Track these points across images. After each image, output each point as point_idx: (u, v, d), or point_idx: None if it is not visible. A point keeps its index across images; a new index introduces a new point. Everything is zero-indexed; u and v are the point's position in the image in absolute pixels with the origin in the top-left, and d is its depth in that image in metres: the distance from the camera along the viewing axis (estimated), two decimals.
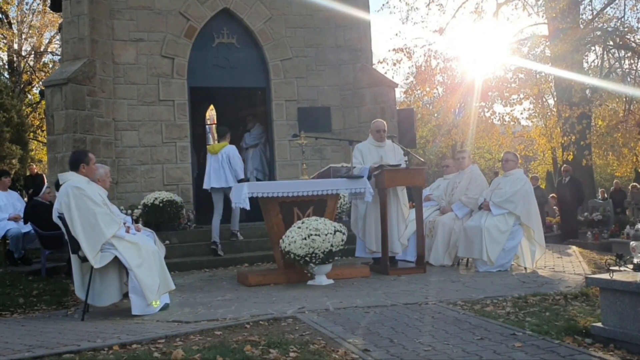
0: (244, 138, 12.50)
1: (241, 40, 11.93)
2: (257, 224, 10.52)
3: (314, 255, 7.01)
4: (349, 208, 10.29)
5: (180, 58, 11.43)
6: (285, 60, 12.03)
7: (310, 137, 9.21)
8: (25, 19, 27.15)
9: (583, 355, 4.01)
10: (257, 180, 11.50)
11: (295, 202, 7.82)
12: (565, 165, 17.30)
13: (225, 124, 14.47)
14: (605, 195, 21.21)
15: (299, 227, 7.18)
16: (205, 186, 9.95)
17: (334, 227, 7.21)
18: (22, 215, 9.62)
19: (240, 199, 7.53)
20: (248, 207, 7.56)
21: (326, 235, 7.05)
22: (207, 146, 11.10)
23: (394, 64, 22.03)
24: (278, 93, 11.98)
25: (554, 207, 17.00)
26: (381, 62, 21.83)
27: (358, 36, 12.35)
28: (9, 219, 9.62)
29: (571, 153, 19.28)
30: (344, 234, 7.26)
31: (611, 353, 4.14)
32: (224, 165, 9.81)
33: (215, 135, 14.45)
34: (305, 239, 7.01)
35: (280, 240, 7.30)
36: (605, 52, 22.17)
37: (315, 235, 7.02)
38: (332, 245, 7.07)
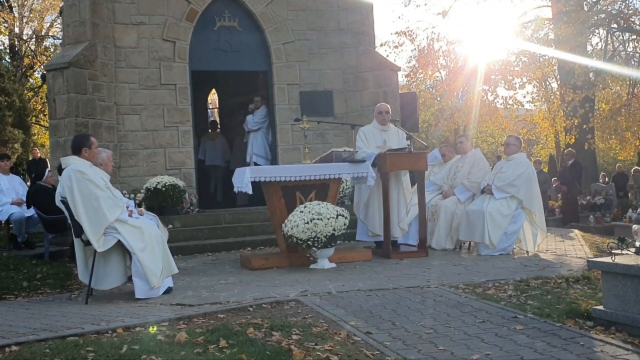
0: (246, 121, 12.42)
1: (243, 24, 11.86)
2: (260, 208, 10.53)
3: (316, 239, 7.02)
4: (351, 192, 10.31)
5: (182, 41, 11.37)
6: (287, 43, 11.96)
7: (313, 121, 9.18)
8: (26, 2, 26.99)
9: (584, 338, 4.03)
10: (257, 165, 11.46)
11: (297, 187, 7.82)
12: (568, 148, 17.26)
13: (228, 108, 14.75)
14: (607, 179, 21.18)
15: (302, 211, 7.18)
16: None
17: (337, 211, 7.21)
18: (25, 199, 9.64)
19: (243, 183, 7.54)
20: (250, 192, 7.56)
21: (328, 219, 7.05)
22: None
23: (396, 47, 21.94)
24: (280, 77, 11.93)
25: (558, 194, 16.98)
26: (383, 45, 21.74)
27: (360, 19, 12.26)
28: (12, 204, 9.64)
29: (573, 136, 19.20)
30: (346, 218, 7.26)
31: (612, 336, 4.15)
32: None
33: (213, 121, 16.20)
34: (307, 223, 7.01)
35: (283, 225, 7.32)
36: (609, 35, 22.02)
37: (318, 219, 7.02)
38: (334, 229, 7.08)
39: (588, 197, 16.82)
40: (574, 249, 8.36)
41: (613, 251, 4.59)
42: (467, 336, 4.13)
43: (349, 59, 12.23)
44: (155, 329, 4.78)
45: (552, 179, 18.96)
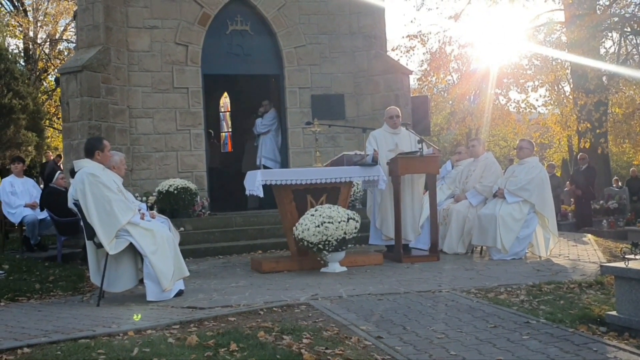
0: (255, 124, 12.50)
1: (255, 28, 11.90)
2: (271, 212, 10.54)
3: (327, 242, 7.02)
4: (362, 196, 10.30)
5: (194, 45, 11.42)
6: (298, 47, 11.98)
7: (324, 124, 9.18)
8: (40, 6, 27.22)
9: (597, 343, 3.99)
10: (266, 168, 11.52)
11: (308, 190, 7.82)
12: (581, 153, 17.15)
13: (239, 111, 14.86)
14: (620, 183, 21.02)
15: (312, 215, 7.18)
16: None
17: (347, 214, 7.20)
18: (38, 202, 9.71)
19: (254, 186, 7.55)
20: (262, 195, 7.57)
21: (339, 222, 7.04)
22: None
23: (407, 51, 21.90)
24: (292, 80, 11.95)
25: (571, 198, 16.86)
26: (394, 50, 21.71)
27: (372, 23, 12.26)
28: (25, 206, 9.70)
29: (588, 140, 19.08)
30: (357, 221, 7.25)
31: (626, 342, 4.11)
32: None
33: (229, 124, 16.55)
34: (318, 226, 7.01)
35: (294, 228, 7.32)
36: (622, 39, 21.89)
37: (329, 222, 7.02)
38: (345, 233, 7.07)
39: (601, 202, 16.70)
40: (587, 254, 8.30)
41: (626, 256, 4.55)
42: (479, 341, 4.10)
43: (360, 63, 12.22)
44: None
45: (566, 183, 18.86)
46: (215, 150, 14.79)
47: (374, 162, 8.02)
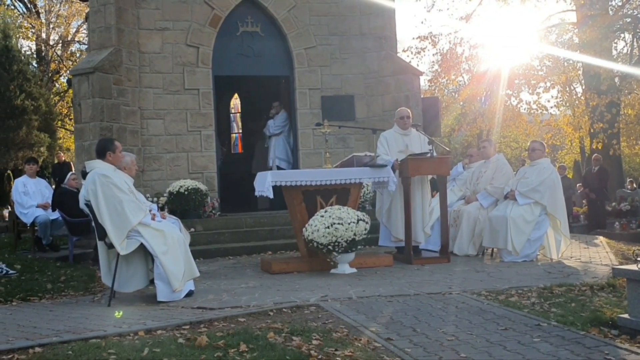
0: (267, 125, 12.55)
1: (265, 29, 11.91)
2: (281, 213, 10.55)
3: (337, 243, 7.01)
4: (372, 197, 10.28)
5: (205, 47, 11.45)
6: (309, 48, 11.99)
7: (334, 125, 9.17)
8: (53, 8, 27.44)
9: (609, 346, 3.97)
10: (280, 169, 11.58)
11: (318, 191, 7.82)
12: (595, 154, 17.04)
13: (250, 113, 14.86)
14: (633, 185, 20.87)
15: (322, 216, 7.18)
16: None
17: (357, 216, 7.20)
18: (50, 202, 9.77)
19: (264, 187, 7.56)
20: (271, 196, 7.58)
21: (349, 224, 7.04)
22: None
23: (418, 52, 21.86)
24: (302, 82, 11.95)
25: (583, 200, 16.75)
26: (405, 51, 21.68)
27: (383, 24, 12.24)
28: (37, 207, 9.76)
29: (601, 141, 18.96)
30: (367, 223, 7.24)
31: (638, 345, 4.08)
32: None
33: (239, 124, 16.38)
34: (328, 227, 7.01)
35: (304, 229, 7.32)
36: (635, 39, 21.74)
37: (338, 224, 7.01)
38: (355, 234, 7.06)
39: (614, 204, 16.59)
40: (599, 256, 8.25)
41: (639, 258, 4.52)
42: (489, 343, 4.09)
43: (370, 64, 12.21)
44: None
45: (577, 185, 18.75)
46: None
47: (393, 169, 8.01)
